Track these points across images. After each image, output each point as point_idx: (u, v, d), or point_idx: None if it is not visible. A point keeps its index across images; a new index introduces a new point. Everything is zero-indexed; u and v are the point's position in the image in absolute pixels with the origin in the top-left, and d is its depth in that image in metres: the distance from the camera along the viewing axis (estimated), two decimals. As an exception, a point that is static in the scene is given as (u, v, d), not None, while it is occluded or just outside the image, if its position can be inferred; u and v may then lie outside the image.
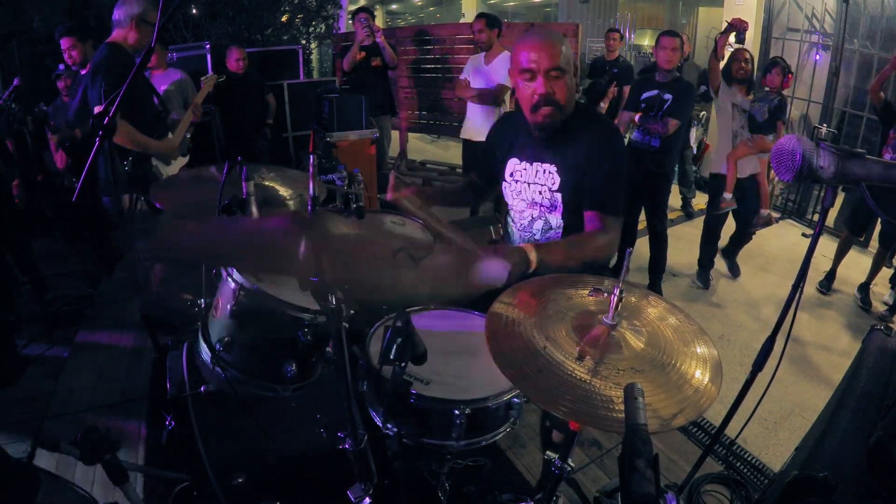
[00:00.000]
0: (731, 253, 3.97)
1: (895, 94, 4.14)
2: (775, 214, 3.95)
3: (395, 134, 6.14)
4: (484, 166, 1.92)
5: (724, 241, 3.89)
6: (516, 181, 1.75)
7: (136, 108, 2.59)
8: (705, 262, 3.84)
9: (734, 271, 3.97)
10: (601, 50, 5.05)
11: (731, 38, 3.34)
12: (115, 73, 2.33)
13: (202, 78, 3.34)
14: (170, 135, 2.93)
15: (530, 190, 1.72)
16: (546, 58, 1.51)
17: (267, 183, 1.71)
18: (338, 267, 0.95)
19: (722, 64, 3.45)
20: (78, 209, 3.61)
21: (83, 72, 3.13)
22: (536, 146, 1.69)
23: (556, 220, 1.71)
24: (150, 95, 2.74)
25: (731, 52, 3.49)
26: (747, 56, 3.42)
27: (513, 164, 1.76)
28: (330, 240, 1.01)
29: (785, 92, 3.50)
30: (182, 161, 3.09)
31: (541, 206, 1.71)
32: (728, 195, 3.49)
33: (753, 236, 3.85)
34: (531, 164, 1.71)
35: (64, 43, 3.06)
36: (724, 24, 3.36)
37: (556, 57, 1.51)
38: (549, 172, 1.66)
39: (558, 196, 1.66)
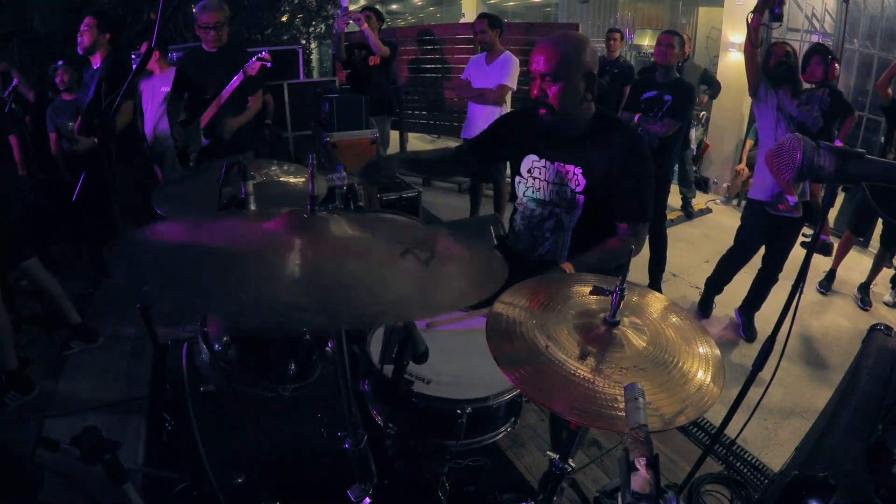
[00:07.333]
0: (750, 310, 3.20)
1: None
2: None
3: (395, 135, 6.14)
4: (482, 141, 1.93)
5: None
6: (534, 178, 1.77)
7: None
8: (713, 288, 3.31)
9: (750, 333, 3.16)
10: (602, 50, 5.03)
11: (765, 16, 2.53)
12: None
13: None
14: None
15: (549, 188, 1.73)
16: (541, 63, 1.58)
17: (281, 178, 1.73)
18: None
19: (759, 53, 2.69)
20: (80, 208, 3.60)
21: (95, 65, 3.03)
22: (559, 147, 1.71)
23: (569, 220, 1.73)
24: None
25: (767, 47, 2.84)
26: (787, 49, 2.73)
27: (530, 161, 1.77)
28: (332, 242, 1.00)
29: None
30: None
31: (556, 205, 1.73)
32: (794, 198, 2.62)
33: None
34: (552, 164, 1.72)
35: (85, 21, 2.91)
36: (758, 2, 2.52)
37: (549, 64, 1.57)
38: (574, 174, 1.68)
39: (580, 198, 1.69)
